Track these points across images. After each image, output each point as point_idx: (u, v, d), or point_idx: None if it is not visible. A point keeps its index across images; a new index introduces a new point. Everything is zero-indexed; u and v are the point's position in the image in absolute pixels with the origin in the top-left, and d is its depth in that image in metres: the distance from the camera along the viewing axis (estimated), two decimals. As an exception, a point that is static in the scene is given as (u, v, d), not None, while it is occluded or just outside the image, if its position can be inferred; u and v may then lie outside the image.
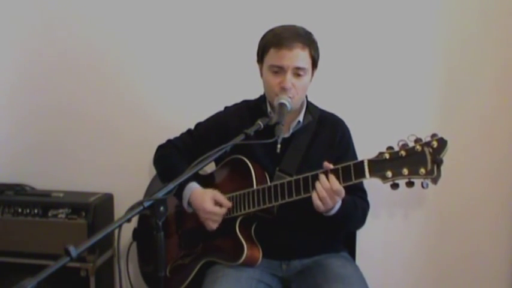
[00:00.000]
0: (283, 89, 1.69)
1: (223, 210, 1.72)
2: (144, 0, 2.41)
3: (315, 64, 1.77)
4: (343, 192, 1.56)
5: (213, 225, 1.74)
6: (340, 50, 2.25)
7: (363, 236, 2.05)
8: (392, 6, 2.24)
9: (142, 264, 2.18)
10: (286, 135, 1.81)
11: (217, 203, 1.73)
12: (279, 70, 1.71)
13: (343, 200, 1.64)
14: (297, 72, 1.70)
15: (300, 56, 1.69)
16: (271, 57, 1.72)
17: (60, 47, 2.50)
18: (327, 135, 1.85)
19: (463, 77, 2.23)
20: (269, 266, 1.80)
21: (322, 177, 1.55)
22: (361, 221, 1.84)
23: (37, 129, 2.56)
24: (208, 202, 1.71)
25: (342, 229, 1.87)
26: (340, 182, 1.54)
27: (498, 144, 2.24)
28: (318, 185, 1.56)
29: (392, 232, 2.35)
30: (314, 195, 1.56)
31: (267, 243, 1.75)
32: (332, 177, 1.54)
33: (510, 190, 2.25)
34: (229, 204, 1.73)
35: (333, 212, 1.64)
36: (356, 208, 1.75)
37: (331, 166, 1.56)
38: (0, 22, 2.52)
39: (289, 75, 1.69)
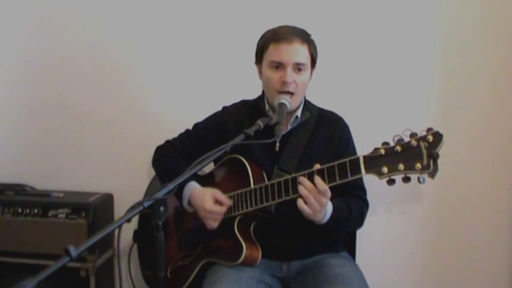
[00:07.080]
0: (284, 84, 1.69)
1: (223, 209, 1.72)
2: (146, 0, 2.42)
3: (313, 63, 1.77)
4: (329, 193, 1.54)
5: (213, 224, 1.73)
6: (340, 48, 2.26)
7: (362, 235, 2.04)
8: (391, 4, 2.24)
9: (143, 265, 2.18)
10: (284, 131, 1.80)
11: (218, 202, 1.72)
12: (279, 65, 1.71)
13: (335, 207, 1.64)
14: (297, 67, 1.70)
15: (299, 51, 1.70)
16: (271, 53, 1.72)
17: (60, 47, 2.50)
18: (326, 133, 1.84)
19: (462, 75, 2.23)
20: (269, 267, 1.79)
21: (303, 179, 1.55)
22: (358, 222, 1.83)
23: (37, 129, 2.57)
24: (208, 201, 1.71)
25: (338, 233, 1.86)
26: (327, 182, 1.53)
27: (497, 141, 2.24)
28: (300, 187, 1.55)
29: (391, 231, 2.35)
30: (299, 199, 1.56)
31: (267, 243, 1.75)
32: (317, 178, 1.53)
33: (509, 187, 2.25)
34: (229, 202, 1.72)
35: (324, 220, 1.63)
36: (350, 212, 1.73)
37: (318, 166, 1.55)
38: (0, 22, 2.52)
39: (289, 70, 1.69)
